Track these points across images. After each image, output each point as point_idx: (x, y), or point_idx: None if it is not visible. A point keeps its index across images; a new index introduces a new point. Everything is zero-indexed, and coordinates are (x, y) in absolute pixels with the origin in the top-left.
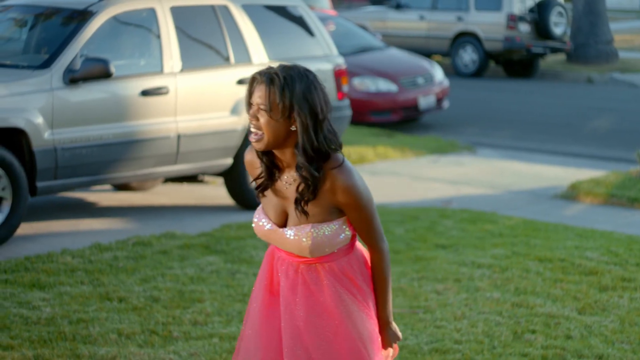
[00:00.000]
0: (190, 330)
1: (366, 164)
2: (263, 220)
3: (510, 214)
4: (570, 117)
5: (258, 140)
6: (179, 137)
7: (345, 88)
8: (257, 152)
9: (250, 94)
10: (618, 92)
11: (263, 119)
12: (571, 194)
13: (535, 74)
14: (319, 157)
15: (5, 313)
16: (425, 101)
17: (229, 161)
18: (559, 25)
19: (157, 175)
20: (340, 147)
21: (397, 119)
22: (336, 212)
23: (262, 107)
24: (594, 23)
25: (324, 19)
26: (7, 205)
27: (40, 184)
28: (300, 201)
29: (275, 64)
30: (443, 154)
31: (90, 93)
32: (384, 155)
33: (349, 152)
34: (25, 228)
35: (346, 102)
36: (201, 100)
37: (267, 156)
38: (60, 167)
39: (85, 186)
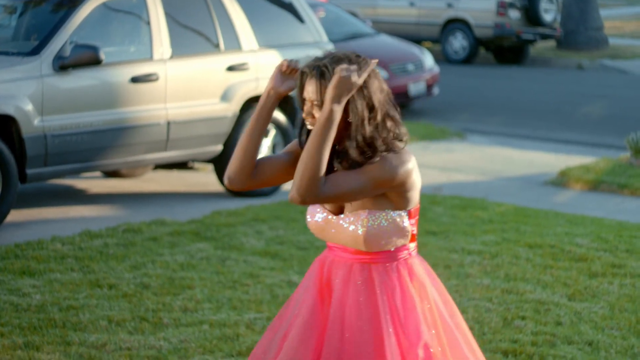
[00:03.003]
0: (180, 317)
1: None
2: (317, 213)
3: (501, 201)
4: (561, 104)
5: None
6: (168, 124)
7: None
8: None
9: (301, 88)
10: (608, 79)
11: (318, 114)
12: (561, 180)
13: (526, 61)
14: (374, 148)
15: None
16: (415, 88)
17: (219, 148)
18: (549, 11)
19: (147, 162)
20: (402, 136)
21: None
22: (389, 202)
23: (315, 102)
24: (584, 10)
25: (313, 6)
26: None
27: (30, 171)
28: None
29: (323, 53)
30: (433, 140)
31: (80, 80)
32: None
33: None
34: (15, 215)
35: None
36: (191, 87)
37: None
38: (50, 154)
39: (75, 173)
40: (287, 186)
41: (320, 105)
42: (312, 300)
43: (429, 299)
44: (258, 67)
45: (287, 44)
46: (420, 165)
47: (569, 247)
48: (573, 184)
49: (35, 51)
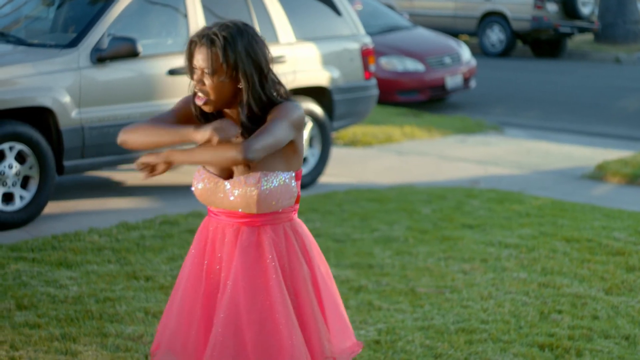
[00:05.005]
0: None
1: (393, 143)
2: (205, 180)
3: (538, 194)
4: (598, 97)
5: (206, 104)
6: None
7: (372, 67)
8: (197, 112)
9: (190, 57)
10: None
11: (208, 82)
12: (598, 174)
13: (563, 54)
14: (266, 111)
15: (32, 291)
16: (453, 81)
17: None
18: (586, 4)
19: None
20: (288, 95)
21: (424, 99)
22: (284, 161)
23: (206, 70)
24: (621, 2)
25: None
26: (34, 184)
27: (67, 163)
28: None
29: (211, 23)
30: (470, 133)
31: (118, 72)
32: (410, 135)
33: (376, 132)
34: (52, 207)
35: (373, 81)
36: None
37: (211, 114)
38: (88, 146)
39: (112, 165)
40: (324, 179)
41: (211, 73)
42: (191, 267)
43: (312, 259)
44: (295, 60)
45: (324, 36)
46: (457, 158)
47: (606, 241)
48: (610, 177)
49: (73, 43)
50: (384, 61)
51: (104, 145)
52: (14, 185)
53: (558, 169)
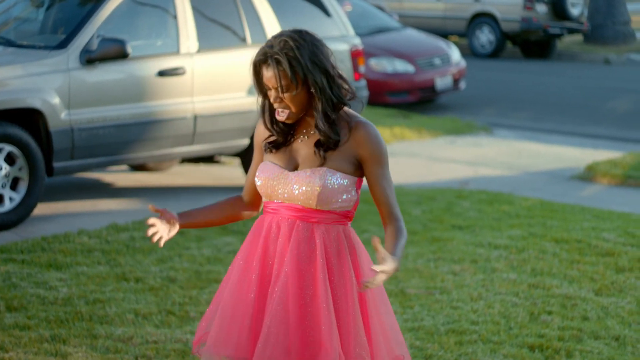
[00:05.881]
0: (206, 310)
1: None
2: (269, 172)
3: (527, 195)
4: (588, 98)
5: (288, 117)
6: (195, 117)
7: (362, 69)
8: (269, 123)
9: (258, 78)
10: (635, 73)
11: (285, 98)
12: (588, 175)
13: (552, 55)
14: (337, 112)
15: (22, 293)
16: (442, 82)
17: (245, 141)
18: (576, 5)
19: (174, 156)
20: (354, 94)
21: (414, 100)
22: (352, 167)
23: (279, 89)
24: (611, 4)
25: (340, 0)
26: (23, 186)
27: (57, 165)
28: (321, 146)
29: (267, 41)
30: (460, 134)
31: (107, 73)
32: (400, 136)
33: None
34: (42, 208)
35: (363, 82)
36: (218, 81)
37: (283, 123)
38: (77, 147)
39: (102, 166)
40: None
41: (285, 91)
42: (242, 264)
43: (361, 267)
44: None
45: None
46: (447, 159)
47: (596, 241)
48: (600, 178)
49: (62, 45)
50: (374, 62)
51: (94, 146)
52: (3, 186)
53: (548, 170)
